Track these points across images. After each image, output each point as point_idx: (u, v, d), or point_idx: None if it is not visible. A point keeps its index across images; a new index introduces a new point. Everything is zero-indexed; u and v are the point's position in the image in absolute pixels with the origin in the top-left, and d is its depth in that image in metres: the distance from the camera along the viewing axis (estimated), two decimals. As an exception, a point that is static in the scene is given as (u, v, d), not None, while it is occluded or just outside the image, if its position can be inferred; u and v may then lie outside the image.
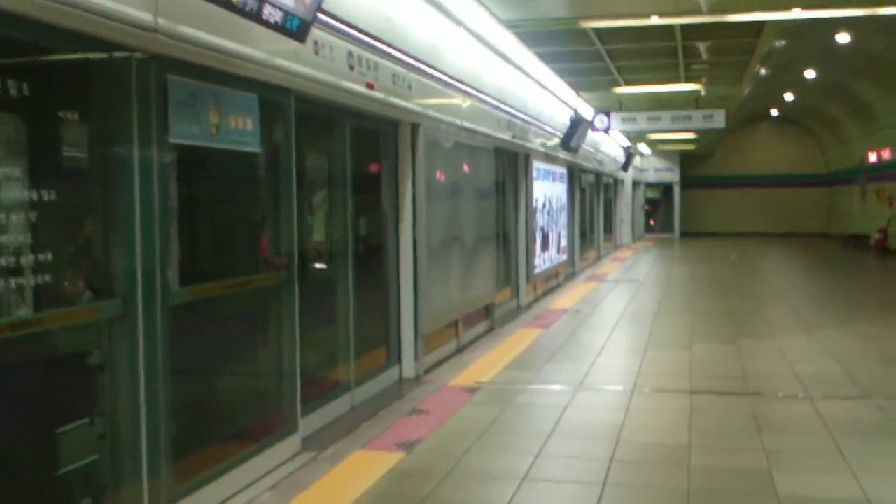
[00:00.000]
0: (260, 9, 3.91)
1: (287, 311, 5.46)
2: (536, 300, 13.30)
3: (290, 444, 5.41)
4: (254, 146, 4.97)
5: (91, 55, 3.76)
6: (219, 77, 4.55)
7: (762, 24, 11.01)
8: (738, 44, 12.54)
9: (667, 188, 35.79)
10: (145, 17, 3.82)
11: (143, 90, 3.95)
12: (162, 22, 3.92)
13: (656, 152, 34.04)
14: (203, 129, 4.46)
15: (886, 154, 25.22)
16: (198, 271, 5.19)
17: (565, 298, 13.54)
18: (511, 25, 9.52)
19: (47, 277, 3.52)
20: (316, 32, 5.52)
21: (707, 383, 7.35)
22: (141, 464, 4.02)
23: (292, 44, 5.02)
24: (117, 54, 3.82)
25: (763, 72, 16.83)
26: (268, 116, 5.14)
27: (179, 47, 4.08)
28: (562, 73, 13.95)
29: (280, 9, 3.96)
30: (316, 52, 5.57)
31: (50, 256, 3.51)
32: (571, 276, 17.20)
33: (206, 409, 5.06)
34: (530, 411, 6.52)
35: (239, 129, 4.81)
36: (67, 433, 4.21)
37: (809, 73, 20.77)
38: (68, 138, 3.82)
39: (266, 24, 3.96)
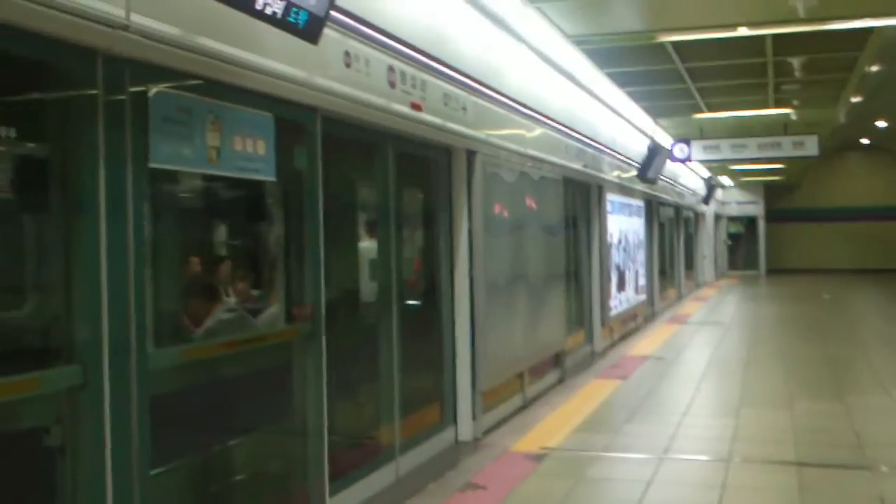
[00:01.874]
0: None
1: (312, 370, 4.58)
2: (613, 345, 12.19)
3: (315, 531, 4.51)
4: (268, 174, 4.15)
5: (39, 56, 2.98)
6: (220, 90, 3.74)
7: (867, 33, 9.78)
8: (836, 59, 11.30)
9: (750, 222, 34.09)
10: (113, 10, 3.03)
11: (113, 102, 3.16)
12: (136, 18, 3.13)
13: (739, 184, 32.48)
14: (198, 152, 3.65)
15: None
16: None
17: (645, 343, 12.41)
18: (579, 42, 8.58)
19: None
20: (348, 42, 4.72)
21: (816, 452, 6.21)
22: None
23: (317, 54, 4.21)
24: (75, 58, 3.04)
25: (854, 99, 15.47)
26: (287, 139, 4.33)
27: (158, 49, 3.27)
28: (637, 97, 12.93)
29: (280, -3, 3.10)
30: (347, 65, 4.73)
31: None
32: (651, 317, 16.01)
33: (206, 495, 4.20)
34: (606, 488, 5.51)
35: (248, 154, 3.99)
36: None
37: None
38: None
39: (262, 16, 3.13)
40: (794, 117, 15.88)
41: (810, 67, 11.52)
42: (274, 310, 4.89)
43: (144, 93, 3.32)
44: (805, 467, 5.81)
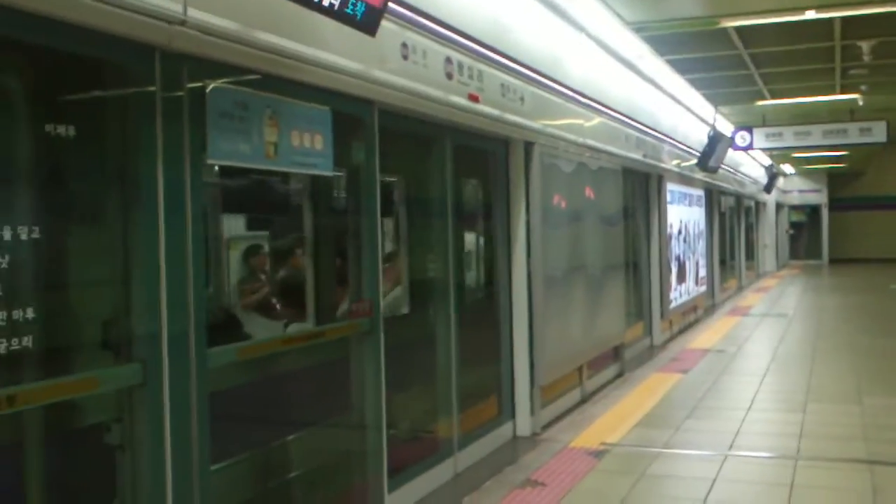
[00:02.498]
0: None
1: (371, 366, 4.55)
2: (672, 338, 11.96)
3: (374, 527, 4.48)
4: (325, 169, 4.11)
5: (97, 54, 2.97)
6: (277, 85, 3.71)
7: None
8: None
9: (813, 210, 33.24)
10: (171, 6, 3.00)
11: (171, 98, 3.15)
12: (193, 13, 3.10)
13: (801, 172, 31.67)
14: (256, 148, 3.62)
15: None
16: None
17: (705, 336, 12.15)
18: (639, 28, 8.36)
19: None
20: (405, 34, 4.65)
21: (889, 450, 5.99)
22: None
23: (374, 47, 4.16)
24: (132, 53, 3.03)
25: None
26: (344, 133, 4.28)
27: (215, 44, 3.24)
28: (698, 85, 12.61)
29: (338, -11, 3.05)
30: (405, 57, 4.67)
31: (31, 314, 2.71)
32: (711, 309, 15.69)
33: (266, 491, 4.20)
34: (669, 485, 5.37)
35: (305, 149, 3.96)
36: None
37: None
38: (59, 157, 3.03)
39: (319, 8, 3.07)
40: (860, 103, 15.33)
41: (880, 51, 11.08)
42: (397, 292, 5.21)
43: (202, 88, 3.30)
44: (878, 465, 5.60)
